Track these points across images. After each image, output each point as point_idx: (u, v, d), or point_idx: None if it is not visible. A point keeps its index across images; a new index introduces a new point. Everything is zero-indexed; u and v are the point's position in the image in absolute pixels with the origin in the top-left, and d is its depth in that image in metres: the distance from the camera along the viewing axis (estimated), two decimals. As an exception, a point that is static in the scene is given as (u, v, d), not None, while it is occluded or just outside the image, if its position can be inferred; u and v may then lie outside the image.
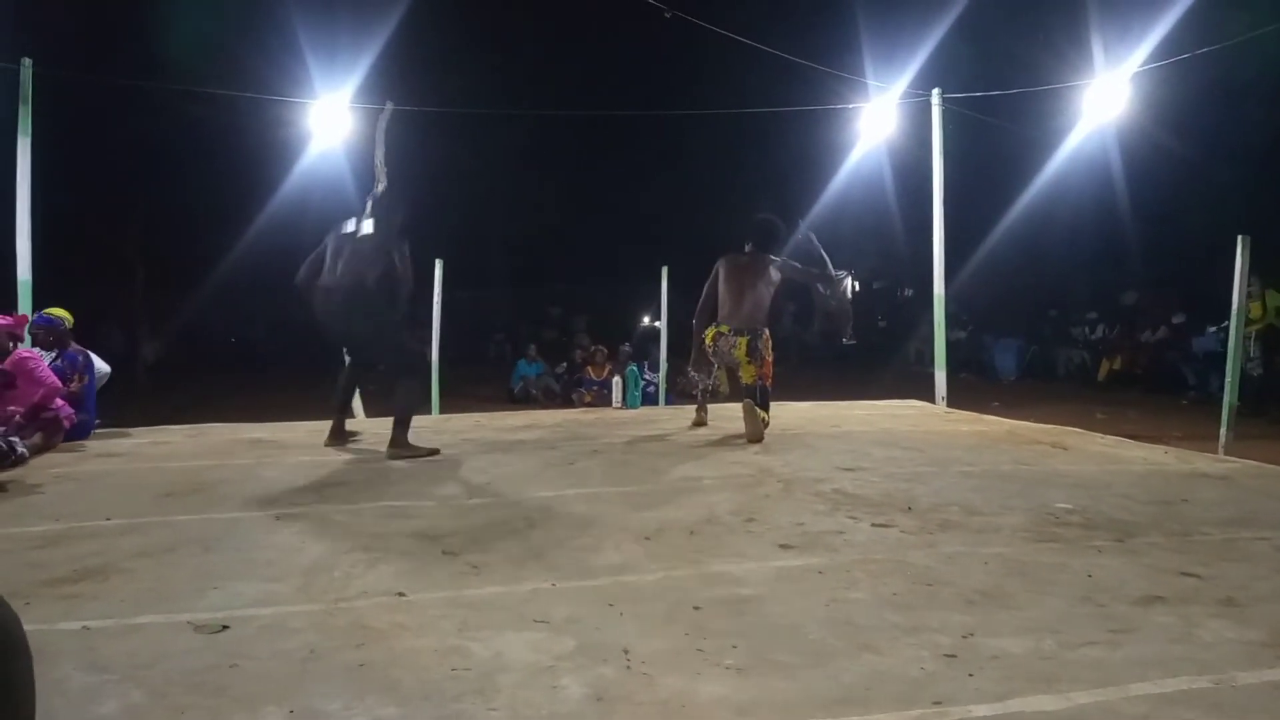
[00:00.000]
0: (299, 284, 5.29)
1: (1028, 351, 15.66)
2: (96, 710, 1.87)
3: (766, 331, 5.87)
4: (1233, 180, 13.18)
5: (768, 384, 5.78)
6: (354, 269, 5.05)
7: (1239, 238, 5.83)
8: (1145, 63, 7.40)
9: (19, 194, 6.66)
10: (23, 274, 6.66)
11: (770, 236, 6.14)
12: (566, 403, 11.44)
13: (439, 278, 8.46)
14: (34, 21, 10.90)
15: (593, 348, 12.85)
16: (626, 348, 12.76)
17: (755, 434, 5.51)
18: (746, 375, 5.72)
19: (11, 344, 5.52)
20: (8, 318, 5.64)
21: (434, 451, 5.14)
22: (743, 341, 5.73)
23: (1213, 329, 10.99)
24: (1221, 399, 6.01)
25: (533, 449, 5.38)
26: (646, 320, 18.86)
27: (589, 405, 10.36)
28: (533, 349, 14.02)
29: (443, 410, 8.21)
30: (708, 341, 5.91)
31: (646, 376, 12.03)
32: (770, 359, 5.87)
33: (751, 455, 5.08)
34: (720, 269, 6.03)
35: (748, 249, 6.09)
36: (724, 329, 5.80)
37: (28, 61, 6.77)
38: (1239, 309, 5.90)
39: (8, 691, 1.26)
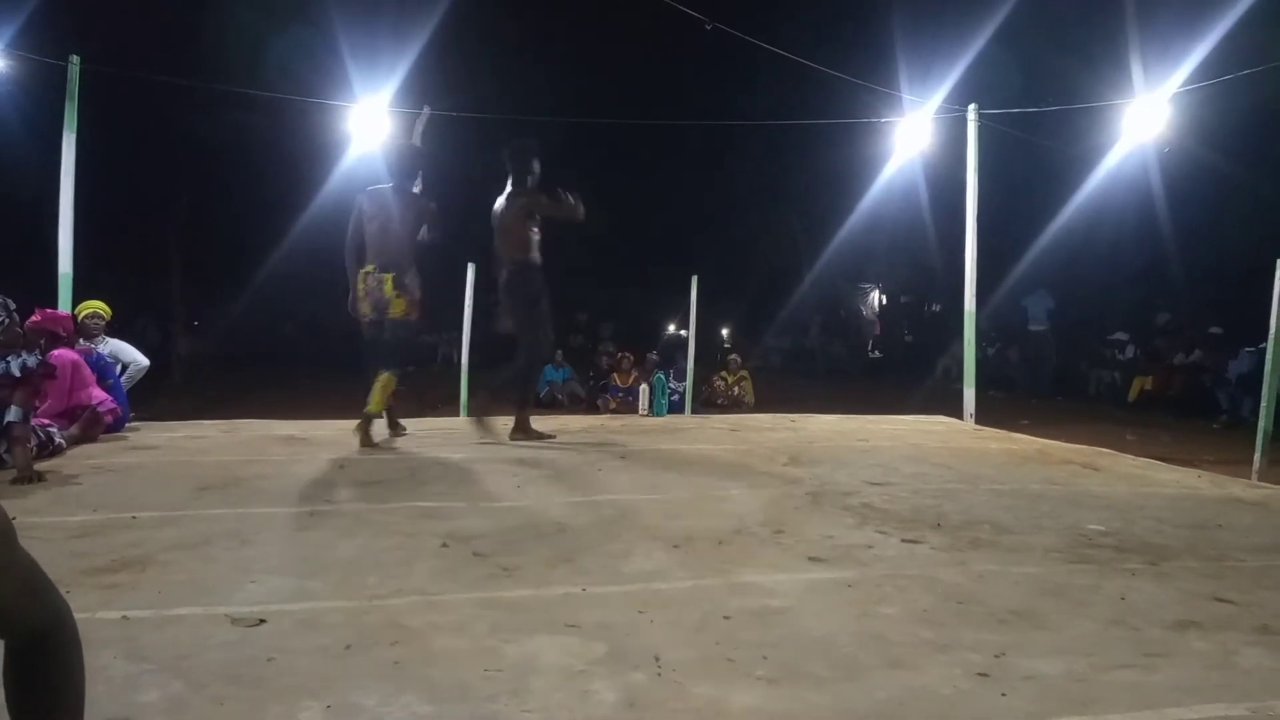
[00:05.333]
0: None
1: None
2: (138, 699, 1.90)
3: (414, 269, 5.68)
4: (1275, 202, 12.99)
5: (414, 318, 5.66)
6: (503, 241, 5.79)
7: (1278, 260, 5.76)
8: (1187, 83, 7.33)
9: (63, 188, 6.80)
10: (64, 267, 6.79)
11: (405, 163, 5.92)
12: (592, 409, 11.47)
13: (470, 282, 8.51)
14: (83, 19, 11.11)
15: (619, 354, 12.88)
16: (654, 356, 12.78)
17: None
18: (396, 310, 5.54)
19: (43, 340, 5.56)
20: (47, 313, 5.70)
21: (551, 435, 5.93)
22: (388, 278, 5.54)
23: (1249, 350, 10.81)
24: (1255, 423, 5.93)
25: (560, 453, 5.41)
26: (673, 329, 18.88)
27: (614, 412, 10.38)
28: (559, 354, 14.06)
29: (471, 413, 8.25)
30: (360, 287, 5.63)
31: (673, 385, 12.03)
32: (419, 296, 5.68)
33: (779, 467, 5.07)
34: (364, 207, 5.71)
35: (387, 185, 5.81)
36: (369, 269, 5.59)
37: (76, 59, 6.91)
38: (1276, 332, 5.82)
39: (66, 677, 1.29)
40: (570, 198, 5.95)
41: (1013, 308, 16.04)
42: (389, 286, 5.52)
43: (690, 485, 4.47)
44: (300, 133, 11.54)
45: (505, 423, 5.98)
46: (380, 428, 5.68)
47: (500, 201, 6.06)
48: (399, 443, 5.65)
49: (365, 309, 5.61)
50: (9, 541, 1.20)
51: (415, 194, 5.86)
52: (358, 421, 5.47)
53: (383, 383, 5.48)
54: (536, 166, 6.05)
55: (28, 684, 1.26)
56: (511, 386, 6.14)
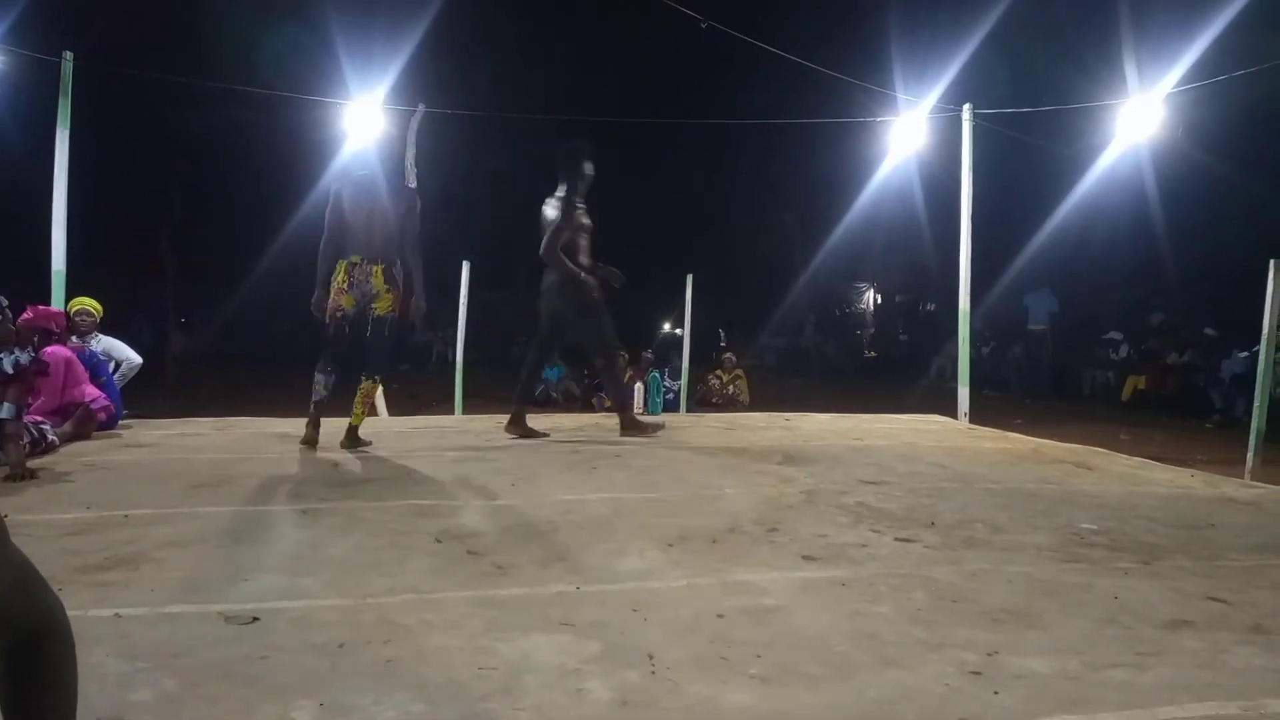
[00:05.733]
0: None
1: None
2: (131, 697, 1.90)
3: (399, 261, 5.42)
4: (1270, 203, 13.03)
5: (398, 315, 5.46)
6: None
7: (1271, 262, 5.78)
8: (1181, 83, 7.35)
9: (56, 185, 6.78)
10: (57, 264, 6.77)
11: (393, 155, 5.93)
12: (587, 407, 11.46)
13: (465, 280, 8.52)
14: (76, 16, 11.08)
15: (614, 353, 12.86)
16: (648, 354, 12.78)
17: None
18: (383, 305, 5.30)
19: (35, 337, 5.52)
20: (39, 310, 5.67)
21: (660, 426, 6.23)
22: (378, 269, 5.30)
23: (1243, 354, 10.86)
24: (1248, 423, 5.95)
25: (555, 452, 5.40)
26: (668, 327, 18.87)
27: (609, 410, 10.37)
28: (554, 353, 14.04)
29: (466, 411, 8.26)
30: (340, 277, 5.34)
31: (667, 383, 12.03)
32: (409, 293, 5.47)
33: (774, 466, 5.07)
34: (344, 197, 5.41)
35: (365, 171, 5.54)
36: (355, 259, 5.31)
37: (69, 55, 6.88)
38: (1269, 333, 5.85)
39: (59, 675, 1.29)
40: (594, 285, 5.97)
41: (1013, 306, 16.09)
42: (379, 279, 5.27)
43: (684, 484, 4.47)
44: (294, 130, 11.54)
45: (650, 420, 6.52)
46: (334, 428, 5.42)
47: (549, 206, 5.99)
48: (381, 446, 5.51)
49: (346, 301, 5.30)
50: (1, 539, 1.20)
51: (408, 187, 5.82)
52: (343, 438, 5.30)
53: (365, 391, 5.35)
54: (589, 169, 6.04)
55: (20, 683, 1.26)
56: (621, 392, 6.66)
